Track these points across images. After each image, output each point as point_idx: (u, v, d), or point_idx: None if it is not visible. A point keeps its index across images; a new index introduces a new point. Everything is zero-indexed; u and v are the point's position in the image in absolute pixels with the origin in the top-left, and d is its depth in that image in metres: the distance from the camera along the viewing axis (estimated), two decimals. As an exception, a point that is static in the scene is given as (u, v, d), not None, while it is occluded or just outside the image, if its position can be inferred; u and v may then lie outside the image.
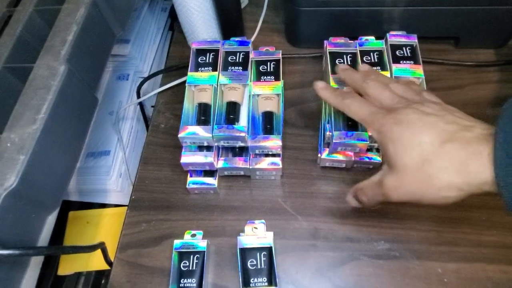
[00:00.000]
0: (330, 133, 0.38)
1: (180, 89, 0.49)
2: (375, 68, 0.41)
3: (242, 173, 0.41)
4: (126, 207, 0.44)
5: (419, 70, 0.41)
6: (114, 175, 0.57)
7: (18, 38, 0.31)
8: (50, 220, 0.28)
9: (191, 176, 0.41)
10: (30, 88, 0.28)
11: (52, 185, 0.27)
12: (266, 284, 0.34)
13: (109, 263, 0.39)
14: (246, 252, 0.35)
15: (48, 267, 0.61)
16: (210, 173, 0.41)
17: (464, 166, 0.25)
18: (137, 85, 0.56)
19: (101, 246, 0.33)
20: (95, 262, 0.60)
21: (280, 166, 0.39)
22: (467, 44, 0.49)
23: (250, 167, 0.39)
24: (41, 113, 0.27)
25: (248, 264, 0.35)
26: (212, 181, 0.41)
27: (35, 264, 0.26)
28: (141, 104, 0.58)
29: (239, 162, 0.39)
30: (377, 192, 0.31)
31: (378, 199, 0.31)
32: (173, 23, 0.69)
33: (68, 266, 0.60)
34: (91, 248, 0.31)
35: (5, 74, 0.30)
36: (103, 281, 0.61)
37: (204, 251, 0.37)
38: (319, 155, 0.41)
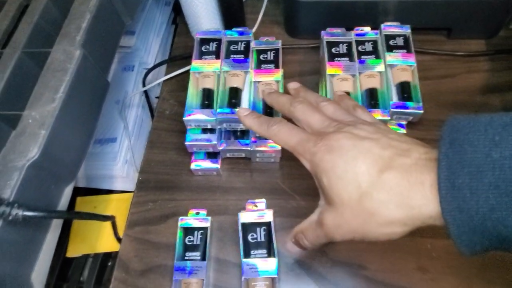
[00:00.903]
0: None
1: (183, 78, 0.52)
2: (369, 56, 0.44)
3: (243, 155, 0.43)
4: (132, 193, 0.46)
5: (411, 58, 0.43)
6: (120, 161, 0.60)
7: (35, 26, 0.34)
8: (67, 192, 0.30)
9: (194, 158, 0.43)
10: (49, 70, 0.30)
11: (69, 159, 0.30)
12: (266, 256, 0.36)
13: (118, 239, 0.41)
14: (247, 227, 0.38)
15: (57, 250, 0.64)
16: (213, 155, 0.44)
17: (406, 199, 0.23)
18: (142, 76, 0.58)
19: (112, 219, 0.35)
20: (102, 244, 0.63)
21: (279, 148, 0.41)
22: (459, 35, 0.51)
23: (251, 149, 0.41)
24: (59, 93, 0.29)
25: (249, 237, 0.37)
26: (215, 163, 0.43)
27: (55, 227, 0.28)
28: (146, 95, 0.61)
29: (240, 145, 0.41)
30: (319, 234, 0.28)
31: (321, 241, 0.28)
32: (176, 17, 0.71)
33: (76, 248, 0.63)
34: (105, 218, 0.33)
35: (24, 58, 0.32)
36: (109, 263, 0.64)
37: (207, 227, 0.39)
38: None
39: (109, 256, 0.64)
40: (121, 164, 0.60)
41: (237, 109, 0.32)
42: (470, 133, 0.21)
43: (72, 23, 0.33)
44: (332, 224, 0.26)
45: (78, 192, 0.64)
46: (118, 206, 0.64)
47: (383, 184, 0.23)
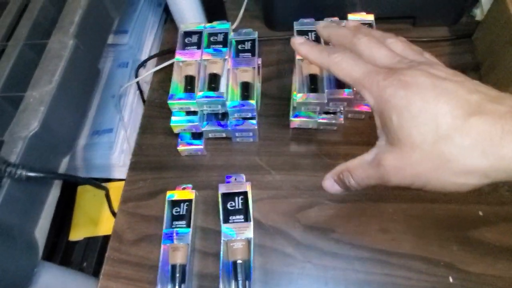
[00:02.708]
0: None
1: (172, 70, 0.56)
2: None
3: (224, 135, 0.47)
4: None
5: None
6: (117, 151, 0.64)
7: (34, 21, 0.39)
8: (64, 162, 0.35)
9: (181, 140, 0.48)
10: (46, 58, 0.35)
11: (65, 133, 0.35)
12: (243, 220, 0.41)
13: (113, 212, 0.46)
14: (226, 196, 0.42)
15: (60, 235, 0.69)
16: (198, 137, 0.48)
17: (496, 147, 0.20)
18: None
19: (106, 189, 0.40)
20: (102, 227, 0.68)
21: (256, 126, 0.46)
22: (424, 22, 0.56)
23: (230, 129, 0.45)
24: (56, 76, 0.34)
25: (228, 205, 0.42)
26: (199, 144, 0.48)
27: (55, 190, 0.33)
28: (140, 89, 0.65)
29: (221, 126, 0.46)
30: (372, 174, 0.25)
31: (371, 183, 0.26)
32: (168, 18, 0.76)
33: (78, 232, 0.67)
34: (99, 186, 0.38)
35: (25, 49, 0.37)
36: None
37: (192, 199, 0.43)
38: (290, 118, 0.48)
39: (109, 239, 0.69)
40: (117, 153, 0.65)
41: (292, 38, 0.30)
42: None
43: (66, 18, 0.38)
44: (392, 166, 0.24)
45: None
46: (116, 193, 0.68)
47: (469, 129, 0.21)
